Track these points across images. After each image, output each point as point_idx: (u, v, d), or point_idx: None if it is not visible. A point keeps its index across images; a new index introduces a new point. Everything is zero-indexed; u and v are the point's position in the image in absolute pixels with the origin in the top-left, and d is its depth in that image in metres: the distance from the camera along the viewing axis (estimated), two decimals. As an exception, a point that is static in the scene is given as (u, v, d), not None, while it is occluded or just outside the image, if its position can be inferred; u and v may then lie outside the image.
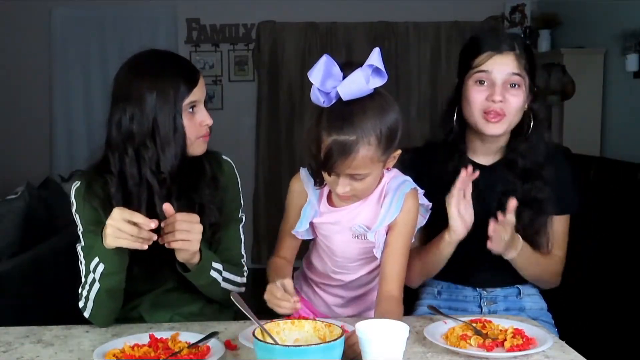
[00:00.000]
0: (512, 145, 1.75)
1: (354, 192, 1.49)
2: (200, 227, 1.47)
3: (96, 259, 1.49)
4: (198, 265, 1.54)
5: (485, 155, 1.78)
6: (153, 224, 1.39)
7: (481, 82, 1.68)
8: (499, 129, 1.68)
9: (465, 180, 1.56)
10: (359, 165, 1.42)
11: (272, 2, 5.41)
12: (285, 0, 5.41)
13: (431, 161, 1.77)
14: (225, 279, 1.62)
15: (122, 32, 5.43)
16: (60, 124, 5.51)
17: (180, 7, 5.47)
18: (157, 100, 1.53)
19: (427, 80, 5.59)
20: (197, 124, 1.59)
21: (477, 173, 1.56)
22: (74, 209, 1.61)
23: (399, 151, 1.52)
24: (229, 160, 1.75)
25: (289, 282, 1.38)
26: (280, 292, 1.37)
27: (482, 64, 1.67)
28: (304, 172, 1.64)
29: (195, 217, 1.48)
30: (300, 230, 1.62)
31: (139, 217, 1.40)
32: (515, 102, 1.67)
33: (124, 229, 1.39)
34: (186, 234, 1.45)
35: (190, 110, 1.58)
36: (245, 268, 1.73)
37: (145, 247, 1.42)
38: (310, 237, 1.69)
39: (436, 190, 1.66)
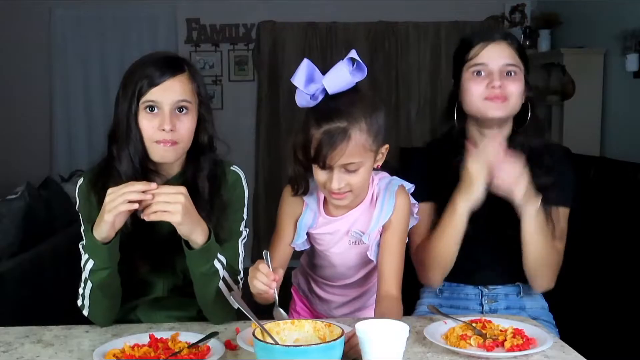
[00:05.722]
0: (512, 137, 1.74)
1: (349, 187, 1.48)
2: (181, 197, 1.39)
3: (86, 256, 1.47)
4: (205, 244, 1.45)
5: None
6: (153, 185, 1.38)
7: (478, 73, 1.69)
8: (501, 111, 1.67)
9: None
10: (352, 152, 1.43)
11: (272, 2, 5.41)
12: (285, 0, 5.41)
13: (436, 158, 1.77)
14: (224, 279, 1.54)
15: (122, 32, 5.43)
16: (60, 124, 5.51)
17: (180, 7, 5.47)
18: (122, 95, 1.51)
19: (427, 80, 5.58)
20: (154, 127, 1.49)
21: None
22: (77, 207, 1.60)
23: (387, 145, 1.53)
24: (236, 171, 1.65)
25: (263, 266, 1.36)
26: (257, 272, 1.36)
27: (477, 56, 1.68)
28: None
29: (179, 188, 1.41)
30: (299, 243, 1.62)
31: (138, 185, 1.38)
32: (514, 88, 1.67)
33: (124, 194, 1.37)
34: (164, 204, 1.38)
35: (149, 110, 1.49)
36: (241, 285, 1.61)
37: (136, 206, 1.38)
38: (306, 248, 1.68)
39: (442, 186, 1.66)
